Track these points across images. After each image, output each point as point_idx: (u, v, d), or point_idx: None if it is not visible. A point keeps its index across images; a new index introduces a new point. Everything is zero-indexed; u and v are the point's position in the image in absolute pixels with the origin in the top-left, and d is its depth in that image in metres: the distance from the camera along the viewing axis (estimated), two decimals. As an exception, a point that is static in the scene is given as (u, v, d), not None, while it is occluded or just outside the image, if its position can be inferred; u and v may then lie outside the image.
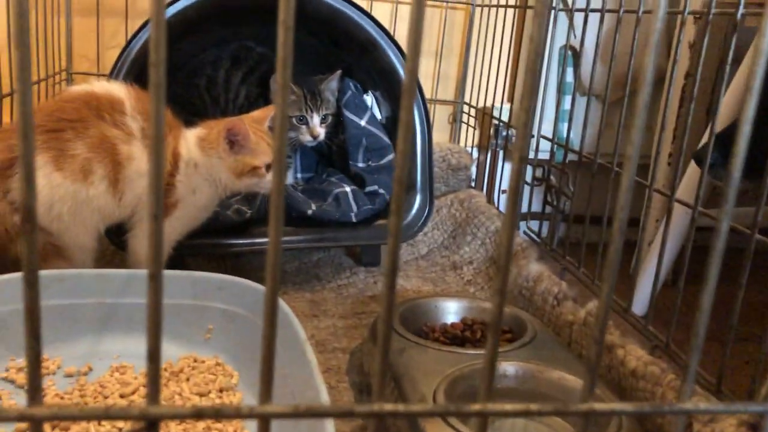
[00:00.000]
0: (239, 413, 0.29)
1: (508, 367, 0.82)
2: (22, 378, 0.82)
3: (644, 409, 0.34)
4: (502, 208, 1.40)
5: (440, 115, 1.66)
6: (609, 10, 1.03)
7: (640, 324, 0.88)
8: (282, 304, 0.86)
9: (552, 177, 1.16)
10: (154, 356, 0.29)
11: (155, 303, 0.28)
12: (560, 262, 1.11)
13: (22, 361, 0.84)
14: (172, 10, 1.11)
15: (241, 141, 0.98)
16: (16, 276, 0.86)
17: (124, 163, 0.94)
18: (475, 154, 1.64)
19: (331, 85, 1.27)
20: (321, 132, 1.25)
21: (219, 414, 0.29)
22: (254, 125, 1.01)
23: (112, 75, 1.09)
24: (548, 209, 1.23)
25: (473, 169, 1.60)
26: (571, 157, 1.16)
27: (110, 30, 1.50)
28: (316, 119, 1.24)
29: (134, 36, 1.10)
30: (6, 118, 1.18)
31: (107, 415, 0.28)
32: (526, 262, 1.12)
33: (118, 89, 0.96)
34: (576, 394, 0.79)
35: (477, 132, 1.65)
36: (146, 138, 0.97)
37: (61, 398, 0.78)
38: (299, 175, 1.46)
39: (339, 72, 1.27)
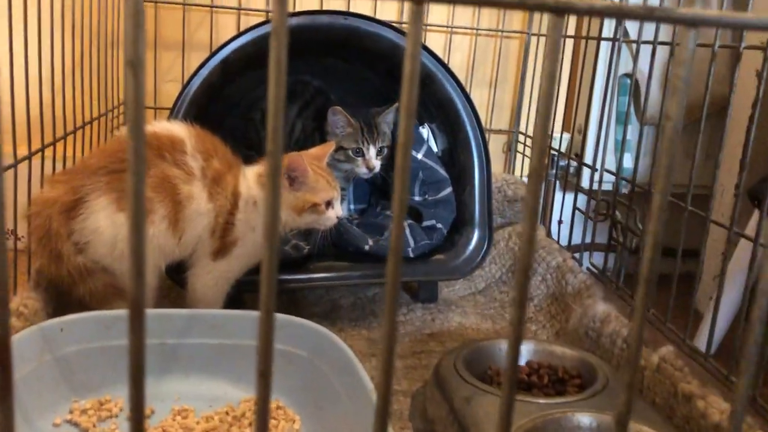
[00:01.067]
0: None
1: (582, 418, 0.78)
2: (85, 421, 0.81)
3: None
4: (563, 241, 1.36)
5: (494, 145, 1.64)
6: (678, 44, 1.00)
7: (722, 374, 0.83)
8: (347, 349, 0.84)
9: (617, 212, 1.12)
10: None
11: (264, 399, 0.26)
12: (628, 302, 1.07)
13: (85, 403, 0.84)
14: (233, 46, 1.12)
15: (300, 177, 0.97)
16: (81, 317, 0.87)
17: (185, 202, 0.94)
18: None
19: (387, 117, 1.26)
20: (377, 164, 1.24)
21: None
22: (314, 162, 1.00)
23: (172, 115, 1.10)
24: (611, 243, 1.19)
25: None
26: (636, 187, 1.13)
27: (166, 64, 1.51)
28: (372, 151, 1.23)
29: (193, 75, 1.11)
30: (68, 152, 1.19)
31: None
32: (591, 301, 1.08)
33: (179, 129, 0.96)
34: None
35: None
36: (206, 177, 0.96)
37: (125, 444, 0.77)
38: (352, 207, 1.44)
39: (396, 105, 1.26)
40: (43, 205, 0.90)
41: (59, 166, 1.10)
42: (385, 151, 1.26)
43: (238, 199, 0.97)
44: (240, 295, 1.14)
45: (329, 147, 1.06)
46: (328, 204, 1.00)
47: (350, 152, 1.23)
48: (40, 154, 1.01)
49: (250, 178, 1.00)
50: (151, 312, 0.92)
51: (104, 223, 0.90)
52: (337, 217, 1.01)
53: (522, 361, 0.97)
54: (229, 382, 0.91)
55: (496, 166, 1.65)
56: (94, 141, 1.29)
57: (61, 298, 0.96)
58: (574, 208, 1.29)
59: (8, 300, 0.24)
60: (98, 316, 0.87)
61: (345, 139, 1.23)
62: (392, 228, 0.25)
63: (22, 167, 0.95)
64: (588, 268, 1.23)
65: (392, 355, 0.28)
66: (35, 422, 0.79)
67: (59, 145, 1.09)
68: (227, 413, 0.85)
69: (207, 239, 0.98)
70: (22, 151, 0.96)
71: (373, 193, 1.46)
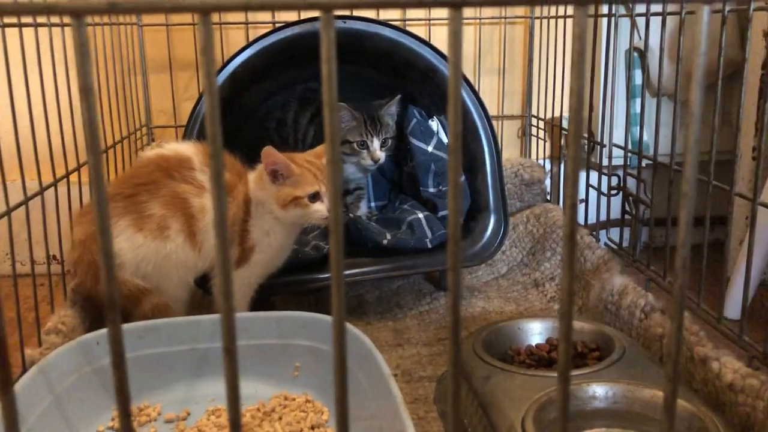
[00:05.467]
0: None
1: (597, 388, 0.80)
2: (126, 426, 0.86)
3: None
4: (580, 220, 1.37)
5: (509, 130, 1.65)
6: (670, 13, 1.01)
7: (734, 334, 0.84)
8: (364, 338, 0.87)
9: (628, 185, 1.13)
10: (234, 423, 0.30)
11: (232, 378, 0.29)
12: (644, 273, 1.08)
13: (125, 410, 0.89)
14: (238, 60, 1.16)
15: (282, 171, 0.98)
16: (126, 327, 0.91)
17: (197, 215, 0.98)
18: (548, 166, 1.62)
19: (390, 109, 1.29)
20: (381, 156, 1.27)
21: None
22: (309, 158, 1.02)
23: (188, 129, 1.15)
24: (626, 218, 1.20)
25: (547, 182, 1.58)
26: (647, 161, 1.13)
27: (183, 83, 1.57)
28: (376, 143, 1.27)
29: (204, 92, 1.15)
30: (111, 170, 1.26)
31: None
32: (609, 275, 1.10)
33: (186, 148, 1.01)
34: (684, 417, 0.77)
35: (548, 144, 1.63)
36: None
37: (163, 445, 0.82)
38: (373, 204, 1.48)
39: (398, 97, 1.29)
40: (82, 245, 0.97)
41: (86, 189, 1.15)
42: (390, 142, 1.29)
43: (249, 205, 1.01)
44: (268, 298, 1.19)
45: None
46: (314, 197, 0.99)
47: (355, 145, 1.27)
48: (65, 180, 1.06)
49: (252, 181, 1.03)
50: (181, 319, 0.96)
51: (125, 245, 0.96)
52: (329, 211, 1.01)
53: (542, 339, 0.99)
54: (259, 380, 0.95)
55: (513, 150, 1.66)
56: (123, 162, 1.35)
57: (96, 313, 1.01)
58: (587, 185, 1.30)
59: None
60: (130, 327, 0.92)
61: (350, 132, 1.26)
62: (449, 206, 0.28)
63: (49, 193, 1.00)
64: (606, 244, 1.24)
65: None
66: (80, 431, 0.85)
67: (86, 169, 1.15)
68: (258, 410, 0.89)
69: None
70: (49, 179, 1.01)
71: (392, 189, 1.49)
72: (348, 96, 1.36)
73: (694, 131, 0.28)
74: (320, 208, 0.99)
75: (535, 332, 0.99)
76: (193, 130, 1.14)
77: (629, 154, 1.19)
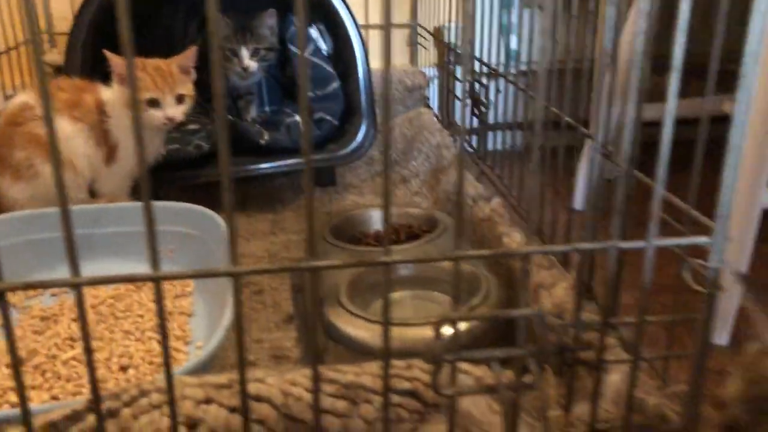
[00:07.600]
0: (140, 277, 0.44)
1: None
2: (13, 298, 1.00)
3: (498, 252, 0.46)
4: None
5: (399, 39, 1.76)
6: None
7: (524, 211, 1.01)
8: (220, 221, 1.02)
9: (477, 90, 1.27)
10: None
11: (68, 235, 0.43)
12: (480, 166, 1.24)
13: (15, 286, 1.03)
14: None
15: (124, 74, 1.08)
16: (4, 216, 1.04)
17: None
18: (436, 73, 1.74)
19: (265, 21, 1.37)
20: (251, 65, 1.36)
21: (128, 279, 0.44)
22: (159, 64, 1.10)
23: (76, 23, 1.24)
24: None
25: (431, 88, 1.70)
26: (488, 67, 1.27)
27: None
28: (244, 52, 1.36)
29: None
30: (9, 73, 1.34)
31: (42, 284, 0.43)
32: (452, 169, 1.25)
33: (21, 96, 1.13)
34: (467, 278, 0.94)
35: (433, 52, 1.74)
36: (59, 110, 1.10)
37: (44, 311, 0.96)
38: (267, 108, 1.59)
39: (272, 10, 1.37)
40: None
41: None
42: (262, 52, 1.38)
43: (104, 107, 1.12)
44: (156, 191, 1.31)
45: (192, 51, 1.15)
46: (152, 103, 1.10)
47: (227, 52, 1.36)
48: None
49: (115, 83, 1.12)
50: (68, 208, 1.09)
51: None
52: (168, 119, 1.10)
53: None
54: (138, 261, 1.09)
55: (402, 58, 1.78)
56: (21, 66, 1.43)
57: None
58: (449, 93, 1.44)
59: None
60: (21, 215, 1.05)
61: (224, 40, 1.36)
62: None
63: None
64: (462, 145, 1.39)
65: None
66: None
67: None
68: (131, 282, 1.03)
69: (95, 153, 1.13)
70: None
71: (284, 95, 1.60)
72: (235, 6, 1.45)
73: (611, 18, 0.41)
74: (157, 114, 1.09)
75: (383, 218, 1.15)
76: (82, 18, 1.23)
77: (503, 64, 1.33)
